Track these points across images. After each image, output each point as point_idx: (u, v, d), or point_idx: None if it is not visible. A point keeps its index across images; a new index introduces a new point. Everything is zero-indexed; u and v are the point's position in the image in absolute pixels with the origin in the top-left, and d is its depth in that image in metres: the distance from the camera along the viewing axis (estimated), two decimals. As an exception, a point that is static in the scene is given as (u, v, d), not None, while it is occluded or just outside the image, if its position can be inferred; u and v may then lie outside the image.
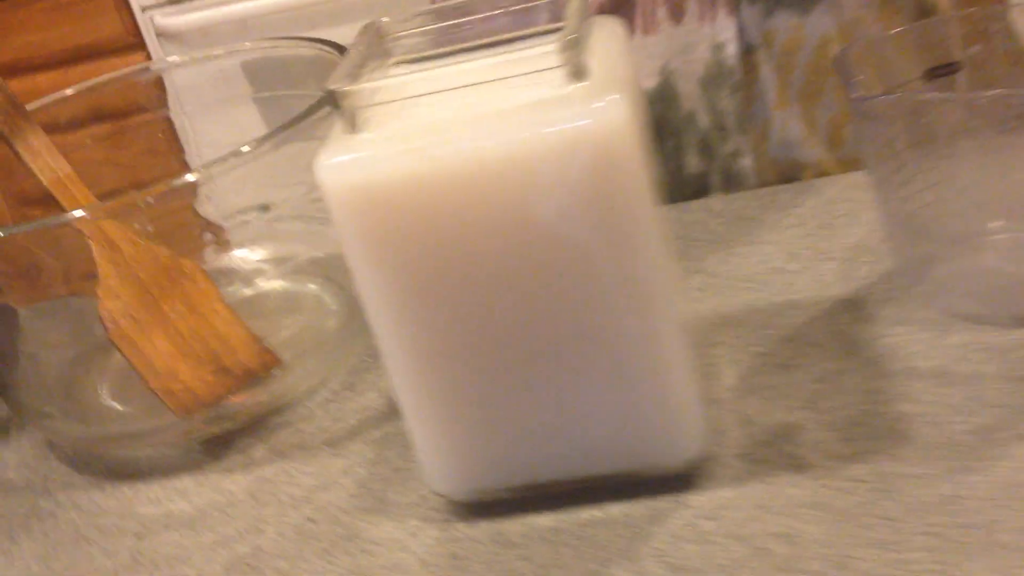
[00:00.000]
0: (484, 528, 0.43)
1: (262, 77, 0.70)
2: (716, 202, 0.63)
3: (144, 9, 1.41)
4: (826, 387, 0.46)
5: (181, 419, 0.53)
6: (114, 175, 0.69)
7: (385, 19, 0.45)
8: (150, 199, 0.51)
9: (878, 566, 0.37)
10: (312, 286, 0.62)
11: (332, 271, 0.60)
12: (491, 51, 0.42)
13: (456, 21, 0.43)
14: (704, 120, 0.62)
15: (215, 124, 0.72)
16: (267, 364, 0.54)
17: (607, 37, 0.42)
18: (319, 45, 0.62)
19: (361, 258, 0.40)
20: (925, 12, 0.60)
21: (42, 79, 1.45)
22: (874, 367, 0.46)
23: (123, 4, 1.42)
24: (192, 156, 0.72)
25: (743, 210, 0.61)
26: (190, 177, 0.51)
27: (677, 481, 0.43)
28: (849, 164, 0.62)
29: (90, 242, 0.54)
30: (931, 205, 0.50)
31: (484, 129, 0.38)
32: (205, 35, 1.40)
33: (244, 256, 0.65)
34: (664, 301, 0.40)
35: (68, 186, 0.59)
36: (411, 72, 0.42)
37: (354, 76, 0.41)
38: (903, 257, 0.51)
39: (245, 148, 0.50)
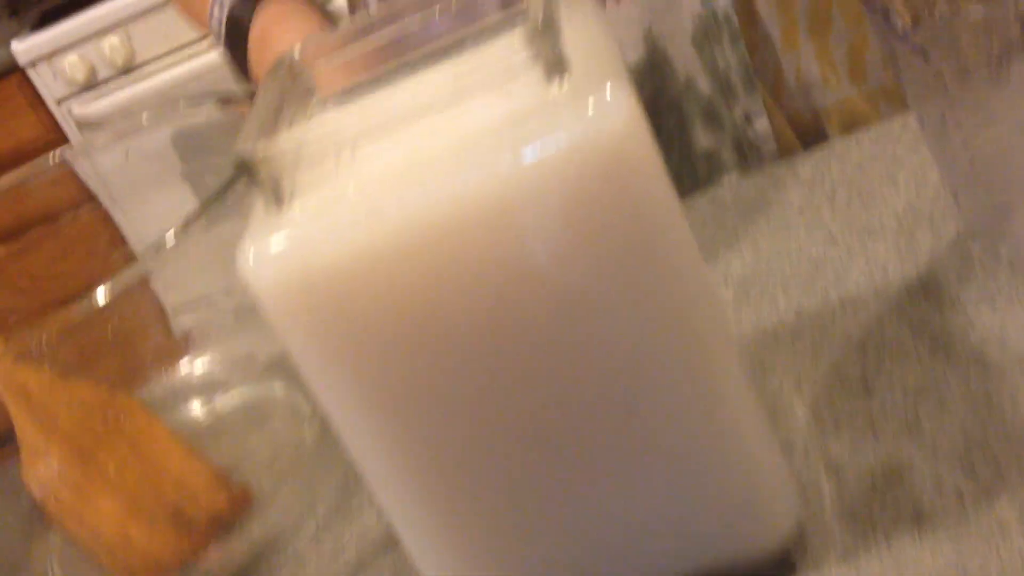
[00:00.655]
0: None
1: (191, 147, 0.60)
2: (725, 190, 0.53)
3: (59, 102, 1.31)
4: (925, 403, 0.36)
5: (145, 596, 0.43)
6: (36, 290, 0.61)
7: (297, 48, 0.35)
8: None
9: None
10: (278, 388, 0.52)
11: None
12: (438, 61, 0.32)
13: (386, 32, 0.34)
14: (705, 85, 0.52)
15: (153, 206, 0.62)
16: (237, 504, 0.45)
17: (574, 14, 0.32)
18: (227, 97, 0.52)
19: (316, 369, 0.31)
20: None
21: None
22: (976, 365, 0.37)
23: (36, 101, 1.33)
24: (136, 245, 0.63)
25: (760, 193, 0.51)
26: (99, 296, 0.42)
27: (773, 566, 0.33)
28: (878, 96, 0.52)
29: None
30: (995, 143, 0.40)
31: (450, 168, 0.28)
32: (129, 117, 1.31)
33: (193, 365, 0.55)
34: (719, 347, 0.31)
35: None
36: (342, 109, 0.33)
37: (268, 130, 0.31)
38: (973, 214, 0.41)
39: (170, 236, 0.41)
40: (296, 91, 0.34)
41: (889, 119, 0.51)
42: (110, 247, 0.64)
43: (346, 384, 0.31)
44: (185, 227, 0.42)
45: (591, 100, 0.27)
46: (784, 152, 0.54)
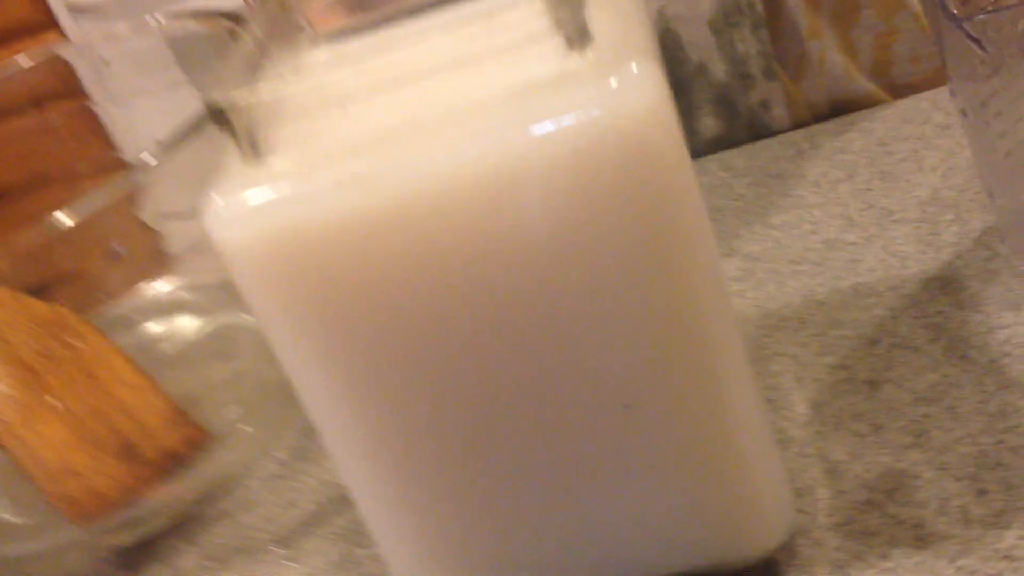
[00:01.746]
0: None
1: (193, 55, 0.57)
2: (737, 156, 0.50)
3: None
4: (936, 411, 0.34)
5: (84, 529, 0.40)
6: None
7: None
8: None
9: None
10: (248, 317, 0.49)
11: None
12: (449, 15, 0.29)
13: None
14: (720, 70, 0.49)
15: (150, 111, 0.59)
16: (192, 442, 0.42)
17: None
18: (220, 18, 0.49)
19: (284, 338, 0.28)
20: None
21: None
22: (996, 375, 0.34)
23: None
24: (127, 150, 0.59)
25: (774, 162, 0.48)
26: (61, 216, 0.39)
27: (757, 574, 0.31)
28: (904, 91, 0.49)
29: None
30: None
31: (453, 135, 0.25)
32: (124, 6, 1.25)
33: (157, 286, 0.52)
34: (729, 348, 0.28)
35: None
36: (335, 53, 0.30)
37: (247, 74, 0.28)
38: (1004, 210, 0.39)
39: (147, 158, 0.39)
40: (285, 26, 0.30)
41: (920, 96, 0.48)
42: (95, 147, 0.61)
43: (318, 357, 0.28)
44: (163, 150, 0.39)
45: (615, 74, 0.24)
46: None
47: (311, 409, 0.29)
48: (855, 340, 0.37)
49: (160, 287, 0.52)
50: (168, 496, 0.41)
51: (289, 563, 0.38)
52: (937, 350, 0.36)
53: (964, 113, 0.37)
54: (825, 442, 0.34)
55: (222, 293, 0.51)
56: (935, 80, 0.48)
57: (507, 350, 0.27)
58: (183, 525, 0.41)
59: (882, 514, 0.31)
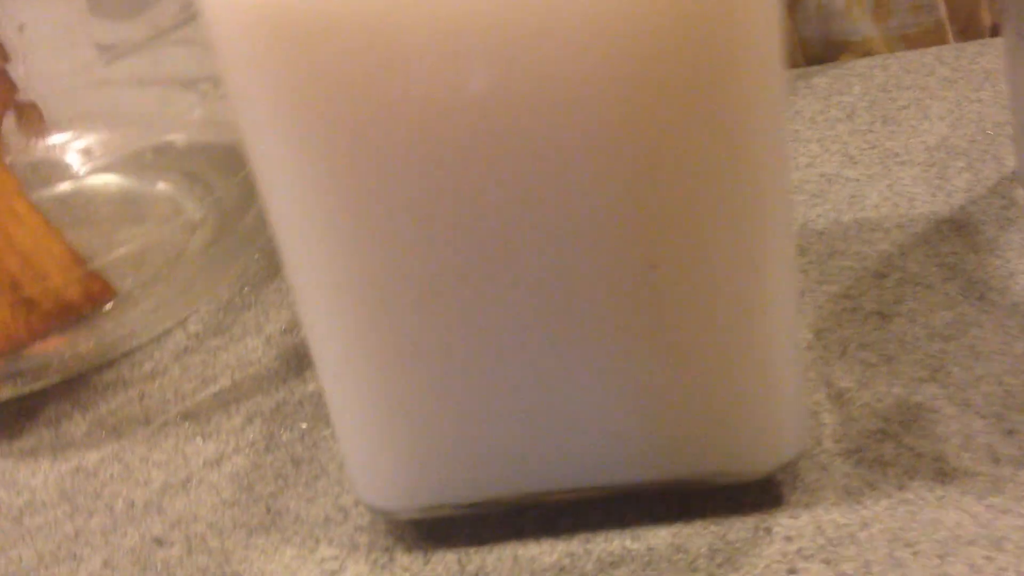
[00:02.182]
0: (444, 564, 0.27)
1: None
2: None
3: None
4: (954, 348, 0.30)
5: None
6: None
7: None
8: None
9: None
10: (164, 185, 0.43)
11: (197, 164, 0.42)
12: None
13: None
14: None
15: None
16: (94, 295, 0.36)
17: None
18: None
19: (261, 123, 0.23)
20: None
21: None
22: (1017, 317, 0.31)
23: None
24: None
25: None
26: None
27: (755, 493, 0.27)
28: (899, 42, 0.46)
29: None
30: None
31: None
32: None
33: (66, 140, 0.46)
34: (778, 218, 0.24)
35: None
36: None
37: None
38: (1026, 161, 0.36)
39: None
40: None
41: (923, 50, 0.45)
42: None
43: (306, 153, 0.23)
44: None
45: None
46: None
47: (276, 219, 0.24)
48: (859, 271, 0.34)
49: (67, 140, 0.46)
50: (59, 350, 0.35)
51: (198, 439, 0.33)
52: (952, 289, 0.33)
53: (1007, 51, 0.34)
54: (829, 368, 0.31)
55: (135, 157, 0.45)
56: (935, 36, 0.46)
57: (522, 177, 0.22)
58: (75, 388, 0.35)
59: (897, 444, 0.28)
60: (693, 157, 0.22)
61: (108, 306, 0.36)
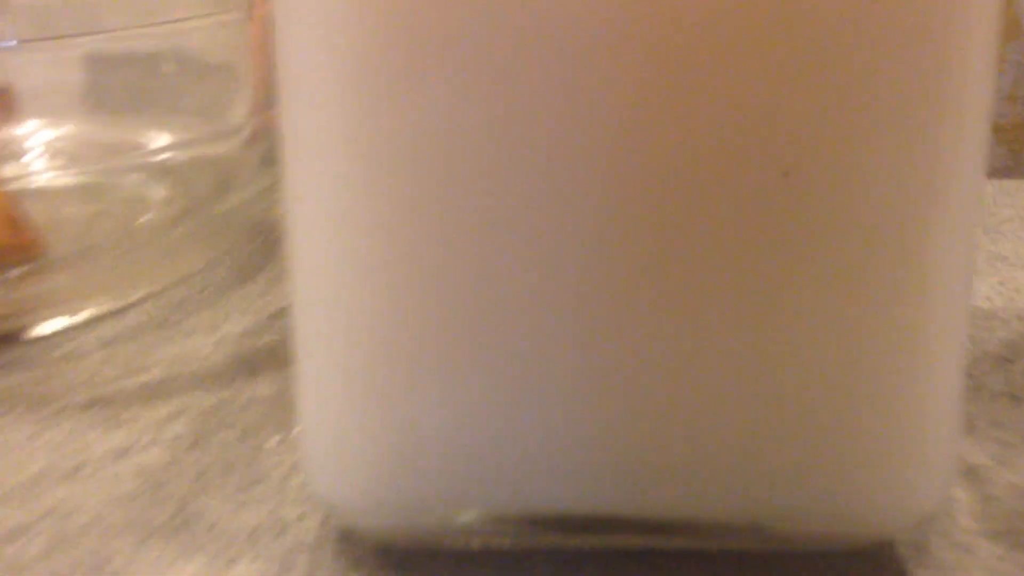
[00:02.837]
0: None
1: None
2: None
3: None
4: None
5: None
6: None
7: None
8: None
9: None
10: (135, 176, 0.36)
11: (174, 167, 0.36)
12: None
13: None
14: None
15: None
16: (19, 247, 0.29)
17: None
18: None
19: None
20: None
21: None
22: None
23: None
24: None
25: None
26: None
27: (867, 568, 0.19)
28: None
29: None
30: None
31: None
32: None
33: (31, 130, 0.39)
34: (972, 204, 0.18)
35: None
36: None
37: None
38: None
39: None
40: None
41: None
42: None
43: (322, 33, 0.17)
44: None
45: None
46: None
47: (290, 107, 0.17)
48: (979, 355, 0.27)
49: (32, 131, 0.40)
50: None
51: (104, 426, 0.24)
52: (1100, 380, 0.26)
53: None
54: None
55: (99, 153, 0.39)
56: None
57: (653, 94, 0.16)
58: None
59: (1059, 532, 0.20)
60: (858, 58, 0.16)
61: (32, 265, 0.28)
